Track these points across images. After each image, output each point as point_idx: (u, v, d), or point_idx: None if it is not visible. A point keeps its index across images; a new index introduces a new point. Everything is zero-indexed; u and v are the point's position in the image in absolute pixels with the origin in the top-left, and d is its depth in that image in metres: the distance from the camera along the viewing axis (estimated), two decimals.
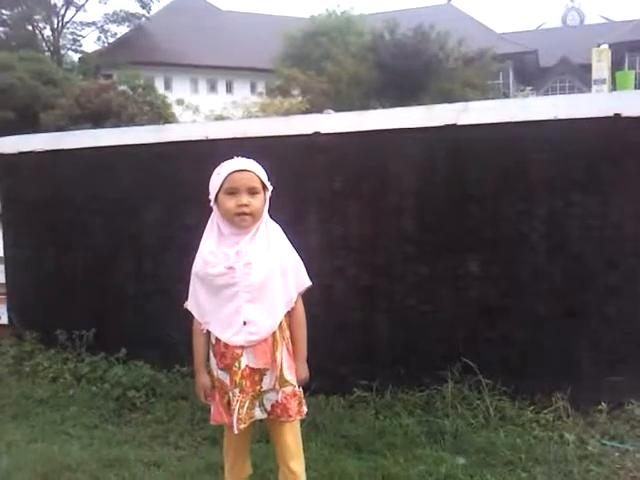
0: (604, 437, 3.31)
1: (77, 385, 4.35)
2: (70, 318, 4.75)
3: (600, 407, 3.47)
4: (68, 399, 4.19)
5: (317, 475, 3.01)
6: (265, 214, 2.42)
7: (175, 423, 3.78)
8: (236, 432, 2.36)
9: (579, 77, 29.99)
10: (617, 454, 3.16)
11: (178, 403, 3.98)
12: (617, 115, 3.46)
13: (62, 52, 36.54)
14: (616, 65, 25.74)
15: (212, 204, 2.41)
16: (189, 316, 2.50)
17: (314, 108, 19.52)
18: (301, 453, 2.51)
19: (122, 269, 4.66)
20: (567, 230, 3.57)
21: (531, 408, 3.53)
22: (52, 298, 4.95)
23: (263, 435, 3.13)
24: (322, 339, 3.52)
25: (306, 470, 2.58)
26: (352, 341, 3.98)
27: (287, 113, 19.36)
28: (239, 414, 2.34)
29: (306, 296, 2.53)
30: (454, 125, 3.68)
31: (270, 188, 2.43)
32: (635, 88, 22.34)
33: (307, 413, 2.53)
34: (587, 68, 16.20)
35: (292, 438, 2.45)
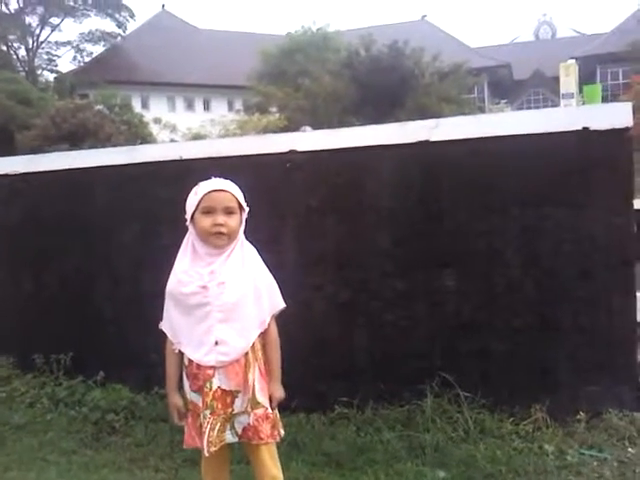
0: (582, 447, 3.33)
1: (55, 410, 4.29)
2: (47, 342, 4.68)
3: (578, 417, 3.49)
4: (46, 424, 4.12)
5: None
6: (241, 235, 2.44)
7: (155, 445, 3.75)
8: (207, 455, 2.35)
9: (552, 90, 30.39)
10: (596, 463, 3.18)
11: (157, 425, 3.94)
12: (585, 129, 3.52)
13: (37, 72, 36.36)
14: (588, 77, 26.25)
15: (188, 223, 2.42)
16: (165, 337, 2.49)
17: (292, 125, 19.59)
18: (280, 473, 2.49)
19: (98, 291, 4.63)
20: (540, 243, 3.62)
21: (510, 420, 3.54)
22: (28, 322, 4.89)
23: (243, 456, 3.10)
24: (301, 357, 3.52)
25: None
26: (331, 358, 3.98)
27: (265, 130, 19.45)
28: (209, 437, 2.33)
29: (284, 314, 2.53)
30: (427, 141, 3.72)
31: (247, 209, 2.44)
32: (608, 99, 22.77)
33: (281, 436, 2.50)
34: (559, 81, 16.50)
35: (269, 459, 2.44)
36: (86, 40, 37.98)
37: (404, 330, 3.84)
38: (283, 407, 2.59)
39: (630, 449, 3.27)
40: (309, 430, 3.69)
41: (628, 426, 3.42)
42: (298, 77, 24.85)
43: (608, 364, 3.58)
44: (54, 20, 36.68)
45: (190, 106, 36.74)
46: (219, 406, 2.35)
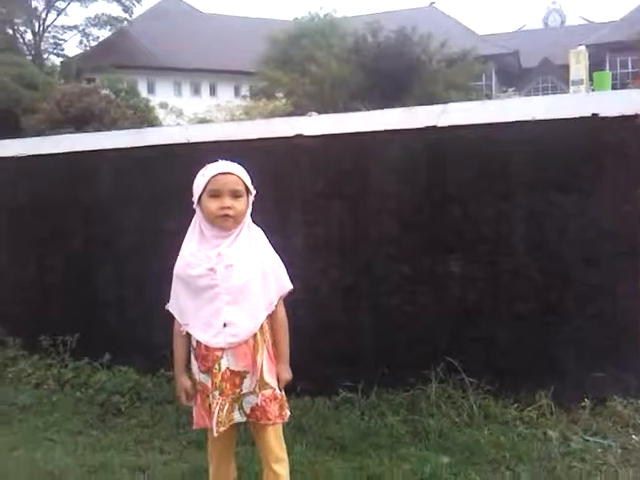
0: (587, 433, 3.34)
1: (61, 391, 4.33)
2: (53, 323, 4.71)
3: (583, 404, 3.50)
4: (52, 405, 4.16)
5: (302, 477, 3.01)
6: (247, 218, 2.43)
7: (160, 427, 3.77)
8: (215, 435, 2.36)
9: (561, 77, 30.19)
10: (599, 450, 3.19)
11: (163, 407, 3.97)
12: (595, 115, 3.50)
13: (44, 56, 36.24)
14: (597, 66, 26.02)
15: (195, 206, 2.42)
16: (172, 319, 2.50)
17: (298, 110, 19.49)
18: (285, 455, 2.51)
19: (104, 273, 4.64)
20: (547, 229, 3.61)
21: (515, 406, 3.56)
22: (35, 303, 4.91)
23: (248, 438, 3.12)
24: (307, 341, 3.52)
25: (291, 472, 2.58)
26: (337, 342, 3.99)
27: (271, 115, 19.35)
28: (218, 417, 2.33)
29: (290, 297, 2.53)
30: (434, 127, 3.70)
31: (253, 192, 2.44)
32: (617, 88, 22.60)
33: (289, 417, 2.52)
34: (568, 69, 16.37)
35: (275, 440, 2.45)
36: (92, 24, 37.71)
37: (409, 315, 3.84)
38: (288, 390, 2.59)
39: (634, 436, 3.28)
40: (314, 414, 3.70)
41: (632, 413, 3.43)
42: (305, 63, 24.70)
43: (614, 351, 3.57)
44: (60, 4, 36.50)
45: (196, 91, 36.63)
46: (228, 387, 2.36)
